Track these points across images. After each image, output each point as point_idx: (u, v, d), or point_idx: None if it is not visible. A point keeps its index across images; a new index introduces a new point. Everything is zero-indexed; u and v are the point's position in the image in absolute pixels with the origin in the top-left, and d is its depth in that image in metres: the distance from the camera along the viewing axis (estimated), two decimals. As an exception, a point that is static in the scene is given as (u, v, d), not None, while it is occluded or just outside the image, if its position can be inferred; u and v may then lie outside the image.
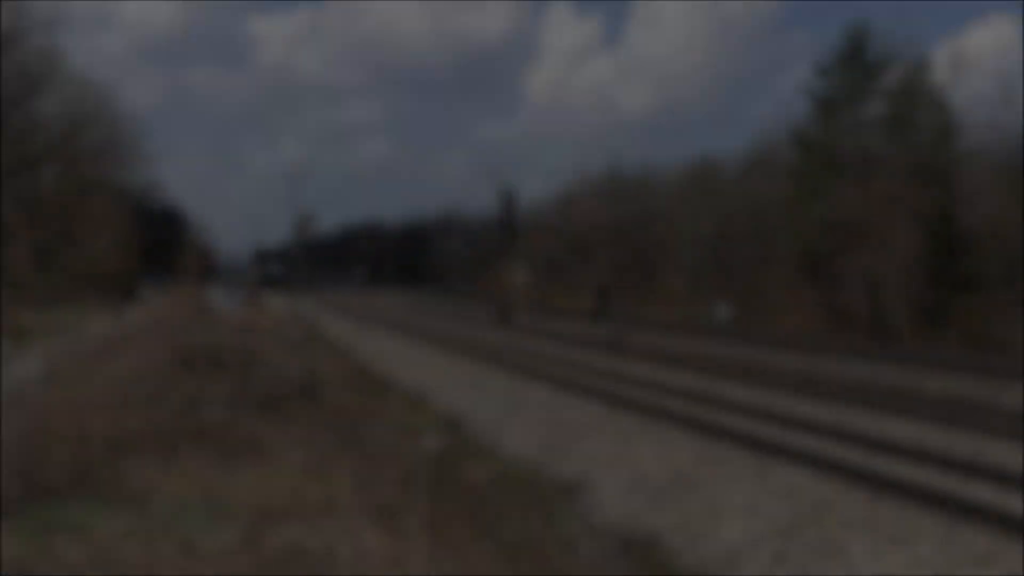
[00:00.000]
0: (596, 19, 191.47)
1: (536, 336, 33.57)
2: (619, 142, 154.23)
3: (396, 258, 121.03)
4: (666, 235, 65.17)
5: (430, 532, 7.03)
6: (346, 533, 6.47)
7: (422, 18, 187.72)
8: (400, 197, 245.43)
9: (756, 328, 42.10)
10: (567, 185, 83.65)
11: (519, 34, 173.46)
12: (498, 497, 11.17)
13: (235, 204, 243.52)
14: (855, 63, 46.00)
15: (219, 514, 7.66)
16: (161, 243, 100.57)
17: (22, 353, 24.14)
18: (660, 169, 75.11)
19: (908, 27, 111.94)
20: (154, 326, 15.86)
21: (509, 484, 11.94)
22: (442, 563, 6.32)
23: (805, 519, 8.79)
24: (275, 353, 14.19)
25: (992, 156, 41.13)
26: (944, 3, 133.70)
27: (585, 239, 75.73)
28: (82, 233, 57.08)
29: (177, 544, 6.19)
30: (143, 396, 12.48)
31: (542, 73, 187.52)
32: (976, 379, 19.97)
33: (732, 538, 8.85)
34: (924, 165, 42.12)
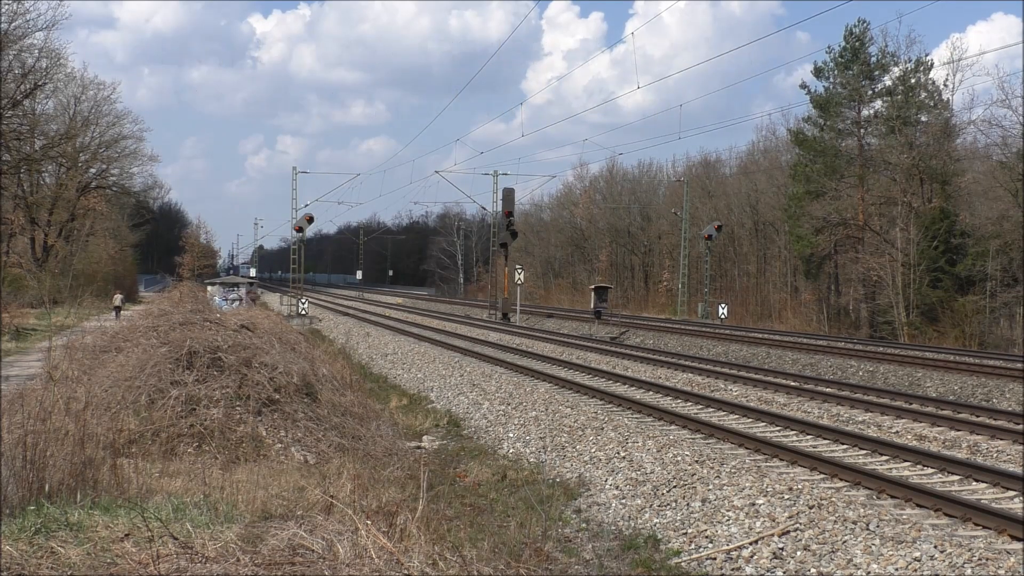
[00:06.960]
0: (596, 19, 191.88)
1: (535, 335, 33.58)
2: (619, 141, 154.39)
3: (396, 258, 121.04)
4: (665, 234, 65.22)
5: (430, 532, 7.03)
6: (346, 533, 6.46)
7: (422, 18, 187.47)
8: (400, 197, 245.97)
9: (755, 327, 42.09)
10: (567, 185, 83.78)
11: (519, 33, 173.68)
12: (498, 496, 11.17)
13: (235, 204, 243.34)
14: (855, 63, 46.01)
15: (219, 514, 7.66)
16: (161, 243, 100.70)
17: (23, 353, 24.15)
18: (659, 169, 75.28)
19: (908, 27, 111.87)
20: (154, 326, 15.84)
21: (509, 483, 11.94)
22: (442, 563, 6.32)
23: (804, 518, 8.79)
24: (275, 353, 14.17)
25: (991, 156, 41.13)
26: (944, 3, 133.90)
27: (585, 239, 75.75)
28: (82, 233, 57.10)
29: (177, 544, 6.19)
30: (143, 396, 12.47)
31: (542, 73, 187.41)
32: (975, 378, 19.98)
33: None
34: (924, 165, 42.14)
